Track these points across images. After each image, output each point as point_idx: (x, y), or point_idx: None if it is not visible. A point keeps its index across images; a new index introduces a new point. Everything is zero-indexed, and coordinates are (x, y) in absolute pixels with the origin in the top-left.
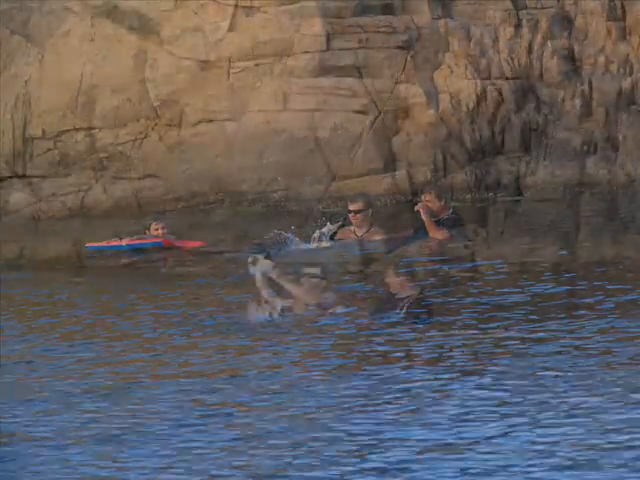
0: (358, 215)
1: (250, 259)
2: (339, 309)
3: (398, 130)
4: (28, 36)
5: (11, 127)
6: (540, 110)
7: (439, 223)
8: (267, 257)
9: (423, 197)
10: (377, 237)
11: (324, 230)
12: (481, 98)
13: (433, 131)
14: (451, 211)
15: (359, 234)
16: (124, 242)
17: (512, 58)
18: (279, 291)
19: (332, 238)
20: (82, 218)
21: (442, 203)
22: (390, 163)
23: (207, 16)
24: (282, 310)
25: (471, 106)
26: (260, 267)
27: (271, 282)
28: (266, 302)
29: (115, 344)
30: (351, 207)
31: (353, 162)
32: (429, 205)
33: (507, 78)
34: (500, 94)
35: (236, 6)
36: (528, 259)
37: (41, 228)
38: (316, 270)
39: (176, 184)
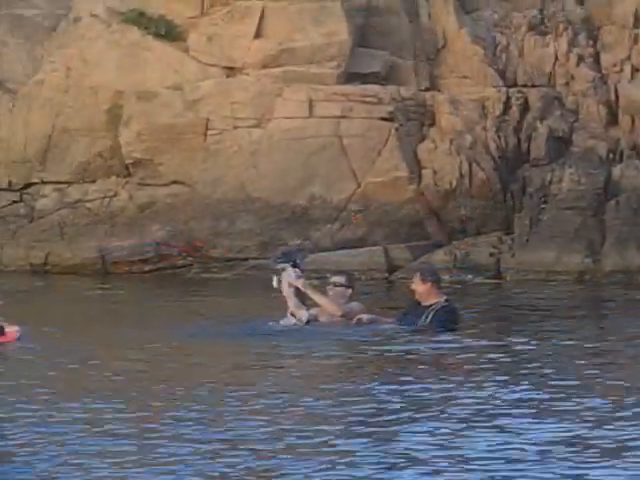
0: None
1: (277, 271)
2: (365, 317)
3: None
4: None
5: None
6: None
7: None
8: (294, 266)
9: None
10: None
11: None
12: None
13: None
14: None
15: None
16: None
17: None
18: (305, 301)
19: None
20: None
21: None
22: None
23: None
24: (308, 321)
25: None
26: (287, 276)
27: (297, 292)
28: (292, 314)
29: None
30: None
31: None
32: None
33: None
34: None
35: (262, 16)
36: (554, 268)
37: None
38: (341, 278)
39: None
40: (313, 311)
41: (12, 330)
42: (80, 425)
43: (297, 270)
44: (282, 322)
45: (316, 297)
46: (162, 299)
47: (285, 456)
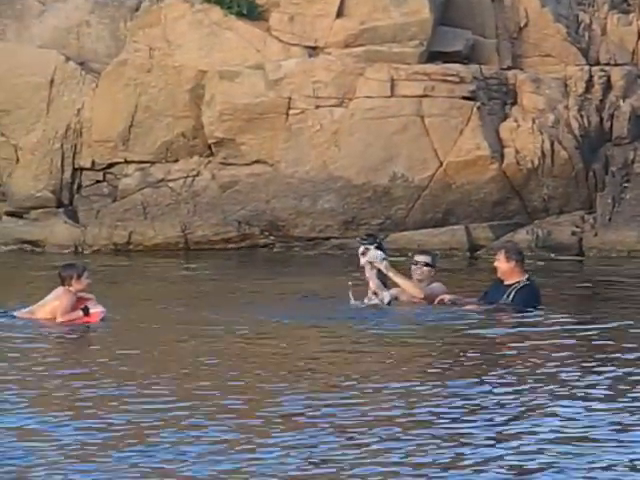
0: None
1: (361, 249)
2: (447, 298)
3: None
4: None
5: None
6: None
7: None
8: (378, 247)
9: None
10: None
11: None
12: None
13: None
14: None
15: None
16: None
17: None
18: (386, 282)
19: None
20: None
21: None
22: None
23: None
24: (389, 302)
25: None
26: (370, 257)
27: (380, 273)
28: (374, 293)
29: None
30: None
31: None
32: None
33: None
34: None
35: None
36: (636, 247)
37: None
38: (427, 257)
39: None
40: (394, 291)
41: (97, 311)
42: None
43: (380, 252)
44: (365, 301)
45: (398, 279)
46: (248, 279)
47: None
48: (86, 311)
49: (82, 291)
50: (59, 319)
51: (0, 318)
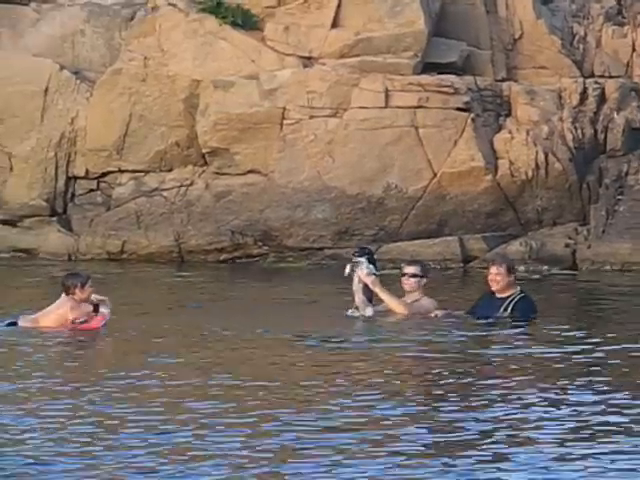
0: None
1: (351, 263)
2: (439, 314)
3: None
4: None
5: None
6: None
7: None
8: (369, 261)
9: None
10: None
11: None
12: None
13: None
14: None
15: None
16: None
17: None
18: (373, 298)
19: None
20: None
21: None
22: None
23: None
24: (369, 318)
25: None
26: (359, 271)
27: (366, 288)
28: (356, 307)
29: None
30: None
31: None
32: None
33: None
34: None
35: (339, 6)
36: (630, 260)
37: None
38: (415, 268)
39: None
40: (381, 308)
41: (100, 316)
42: None
43: (371, 266)
44: (349, 312)
45: (384, 296)
46: (240, 288)
47: None
48: (96, 309)
49: (85, 300)
50: (70, 317)
51: (5, 327)
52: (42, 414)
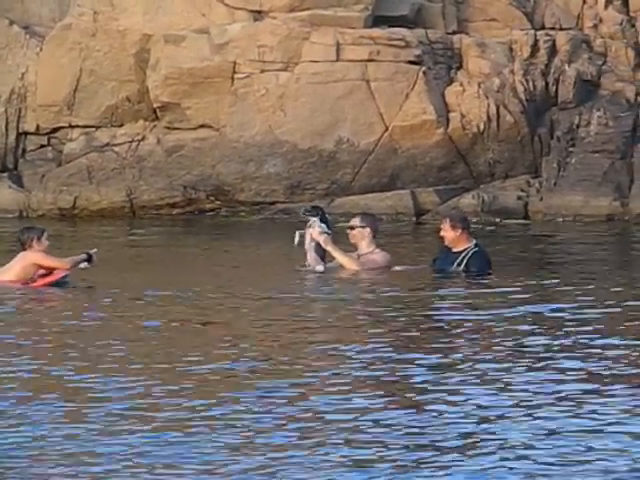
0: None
1: (299, 231)
2: (397, 269)
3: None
4: None
5: None
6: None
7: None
8: (322, 220)
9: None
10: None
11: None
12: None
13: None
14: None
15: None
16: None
17: None
18: (325, 257)
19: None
20: None
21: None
22: None
23: None
24: (321, 273)
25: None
26: (311, 230)
27: (318, 247)
28: (308, 264)
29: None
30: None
31: None
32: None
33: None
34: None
35: None
36: (581, 212)
37: None
38: (355, 219)
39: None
40: (333, 264)
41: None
42: None
43: (323, 225)
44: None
45: (336, 253)
46: (194, 244)
47: None
48: (90, 259)
49: (42, 252)
50: (66, 266)
51: None
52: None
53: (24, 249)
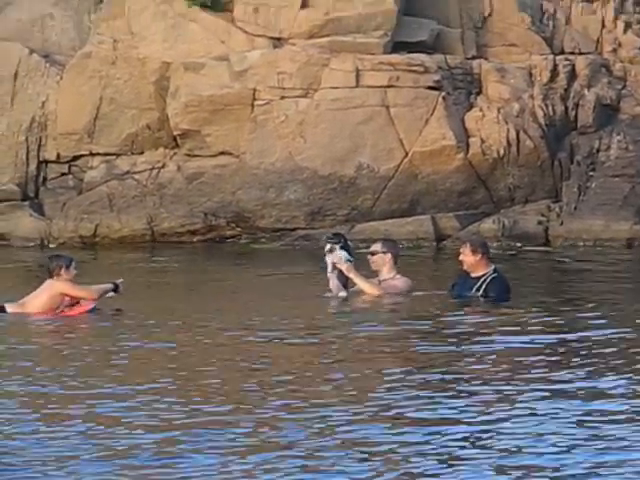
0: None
1: (327, 247)
2: (416, 293)
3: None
4: None
5: None
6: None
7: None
8: (343, 248)
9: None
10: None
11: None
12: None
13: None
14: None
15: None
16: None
17: None
18: (347, 284)
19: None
20: None
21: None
22: None
23: None
24: (343, 299)
25: None
26: (334, 258)
27: (341, 274)
28: (329, 291)
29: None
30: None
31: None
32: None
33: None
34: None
35: None
36: (602, 236)
37: None
38: (376, 245)
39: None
40: (355, 289)
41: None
42: None
43: (344, 253)
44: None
45: (358, 280)
46: (214, 271)
47: None
48: (116, 289)
49: (70, 281)
50: (94, 296)
51: None
52: None
53: (51, 277)
